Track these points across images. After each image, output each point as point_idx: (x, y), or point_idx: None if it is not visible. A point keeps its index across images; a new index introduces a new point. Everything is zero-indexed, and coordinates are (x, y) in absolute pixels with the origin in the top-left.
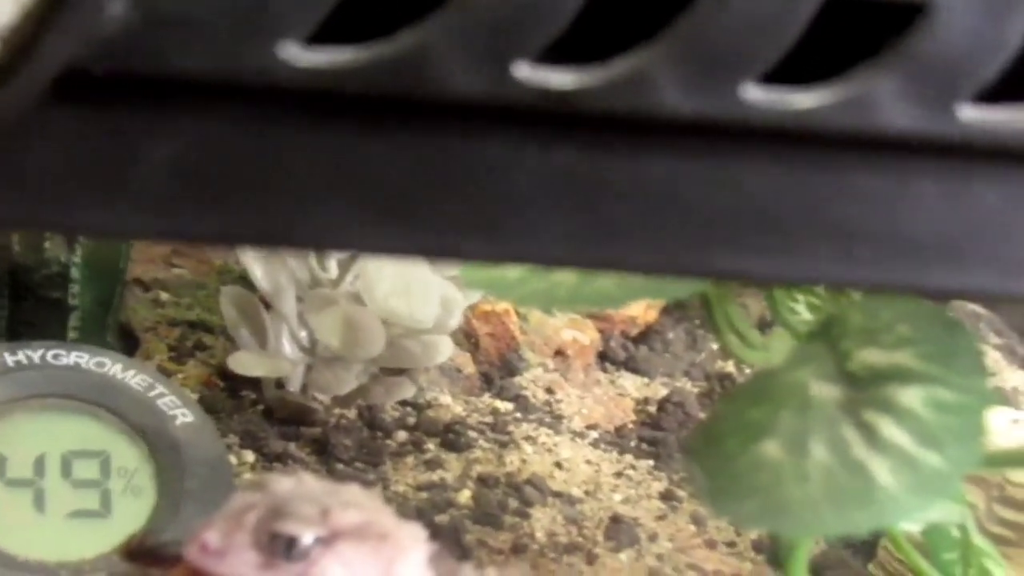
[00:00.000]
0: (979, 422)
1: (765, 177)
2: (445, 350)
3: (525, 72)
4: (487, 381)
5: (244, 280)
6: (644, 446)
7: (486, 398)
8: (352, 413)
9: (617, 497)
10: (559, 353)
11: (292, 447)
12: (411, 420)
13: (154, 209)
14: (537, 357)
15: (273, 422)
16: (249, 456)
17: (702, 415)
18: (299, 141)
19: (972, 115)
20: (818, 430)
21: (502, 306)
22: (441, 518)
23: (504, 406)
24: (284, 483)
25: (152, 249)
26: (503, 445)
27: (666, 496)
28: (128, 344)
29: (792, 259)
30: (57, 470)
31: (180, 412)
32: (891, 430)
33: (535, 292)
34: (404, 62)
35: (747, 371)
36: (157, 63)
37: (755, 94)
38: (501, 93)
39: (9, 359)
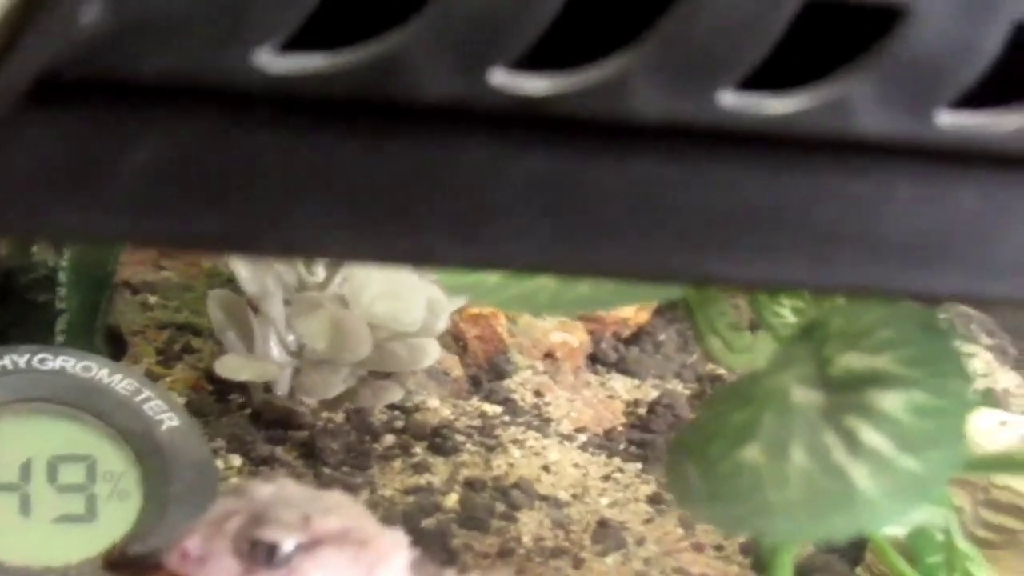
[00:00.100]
0: (960, 427)
1: (744, 181)
2: (432, 353)
3: (501, 78)
4: (475, 384)
5: (232, 283)
6: (633, 449)
7: (474, 401)
8: (340, 417)
9: (604, 501)
10: (548, 355)
11: (279, 451)
12: (399, 424)
13: (130, 213)
14: (526, 360)
15: (260, 426)
16: (236, 460)
17: (692, 417)
18: (275, 146)
19: (950, 120)
20: (799, 435)
21: (490, 309)
22: (428, 522)
23: (492, 409)
24: (265, 489)
25: (140, 251)
26: (490, 449)
27: (654, 499)
28: (116, 347)
29: (771, 263)
30: (43, 475)
31: (166, 416)
32: (871, 435)
33: (515, 297)
34: (380, 68)
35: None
36: (132, 68)
37: (732, 100)
38: (477, 99)
39: None
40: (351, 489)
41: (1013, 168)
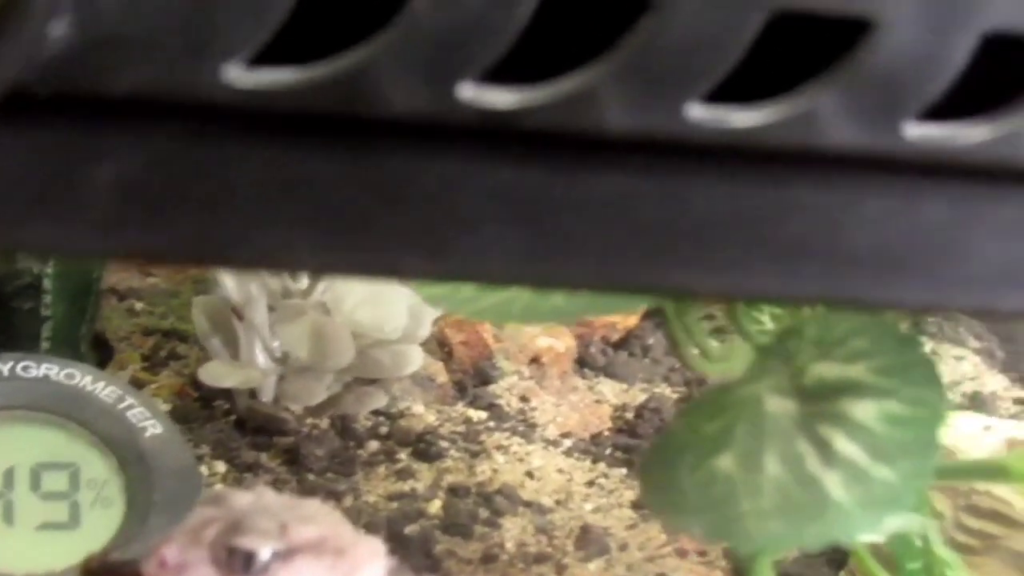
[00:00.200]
0: (933, 436)
1: (711, 193)
2: (415, 360)
3: (469, 92)
4: (460, 390)
5: (218, 289)
6: (618, 454)
7: (459, 407)
8: (324, 423)
9: (588, 506)
10: (534, 360)
11: (264, 457)
12: (383, 430)
13: (100, 227)
14: (512, 365)
15: (245, 433)
16: (221, 467)
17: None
18: (244, 160)
19: (917, 132)
20: (773, 444)
21: None
22: (411, 528)
23: (477, 415)
24: (243, 498)
25: None
26: (474, 455)
27: (638, 505)
28: (102, 354)
29: (739, 275)
30: (26, 482)
31: (150, 424)
32: (844, 444)
33: (488, 308)
34: (349, 82)
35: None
36: (102, 83)
37: (699, 112)
38: (446, 113)
39: None
40: (335, 495)
41: (980, 179)
